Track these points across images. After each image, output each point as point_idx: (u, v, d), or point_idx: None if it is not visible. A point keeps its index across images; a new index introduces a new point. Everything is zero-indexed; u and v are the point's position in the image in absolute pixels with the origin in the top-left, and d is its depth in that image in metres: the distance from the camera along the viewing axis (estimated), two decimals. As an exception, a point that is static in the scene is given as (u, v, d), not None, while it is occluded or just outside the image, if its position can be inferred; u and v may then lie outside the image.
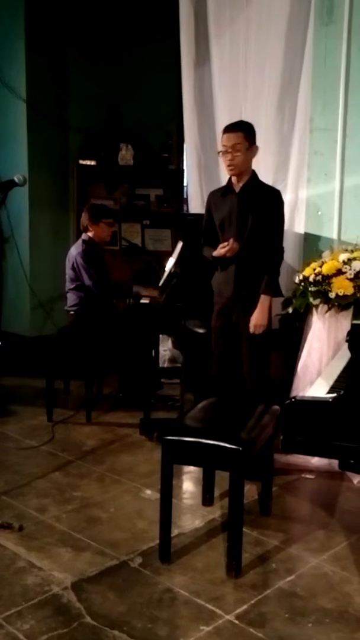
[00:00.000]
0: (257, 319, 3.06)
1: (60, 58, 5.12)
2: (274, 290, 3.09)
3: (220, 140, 3.15)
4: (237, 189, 3.13)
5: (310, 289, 3.19)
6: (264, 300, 3.07)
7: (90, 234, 4.11)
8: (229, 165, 3.08)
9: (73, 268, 4.02)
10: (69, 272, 4.05)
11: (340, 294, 3.08)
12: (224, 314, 3.19)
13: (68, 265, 4.06)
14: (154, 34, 5.21)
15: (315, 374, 3.09)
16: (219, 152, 3.18)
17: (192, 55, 4.17)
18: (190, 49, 4.16)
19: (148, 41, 5.27)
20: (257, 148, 3.11)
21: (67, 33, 5.10)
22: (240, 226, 3.09)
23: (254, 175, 3.13)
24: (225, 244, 3.06)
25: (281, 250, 3.14)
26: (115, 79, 5.25)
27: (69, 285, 4.07)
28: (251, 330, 3.07)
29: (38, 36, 4.97)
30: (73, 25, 5.09)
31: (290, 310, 3.35)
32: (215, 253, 3.13)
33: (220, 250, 3.09)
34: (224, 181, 4.13)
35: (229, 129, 3.08)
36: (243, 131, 3.05)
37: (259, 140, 3.17)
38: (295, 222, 3.74)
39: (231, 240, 3.05)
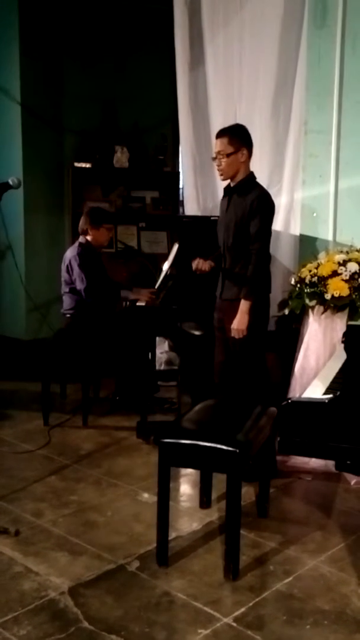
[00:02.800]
0: (234, 323, 3.00)
1: (55, 60, 5.11)
2: (250, 295, 2.98)
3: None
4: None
5: (306, 290, 3.19)
6: (242, 305, 2.99)
7: (88, 237, 4.09)
8: (218, 171, 3.09)
9: (68, 271, 4.01)
10: (64, 275, 4.04)
11: (336, 295, 3.09)
12: (216, 314, 3.19)
13: (63, 267, 4.05)
14: (149, 36, 5.21)
15: (312, 375, 3.08)
16: (213, 158, 3.14)
17: (187, 57, 4.18)
18: (185, 51, 4.17)
19: (143, 43, 5.27)
20: (246, 150, 3.00)
21: (62, 35, 5.09)
22: (226, 229, 3.09)
23: (246, 177, 3.05)
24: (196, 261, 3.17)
25: (261, 255, 2.98)
26: (110, 81, 5.25)
27: (64, 288, 4.06)
28: (232, 333, 3.03)
29: (32, 38, 4.96)
30: (68, 28, 5.09)
31: (286, 311, 3.35)
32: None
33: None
34: (219, 183, 4.14)
35: (217, 135, 3.07)
36: (227, 136, 3.01)
37: (254, 143, 3.11)
38: (291, 224, 3.75)
39: (197, 261, 3.14)
